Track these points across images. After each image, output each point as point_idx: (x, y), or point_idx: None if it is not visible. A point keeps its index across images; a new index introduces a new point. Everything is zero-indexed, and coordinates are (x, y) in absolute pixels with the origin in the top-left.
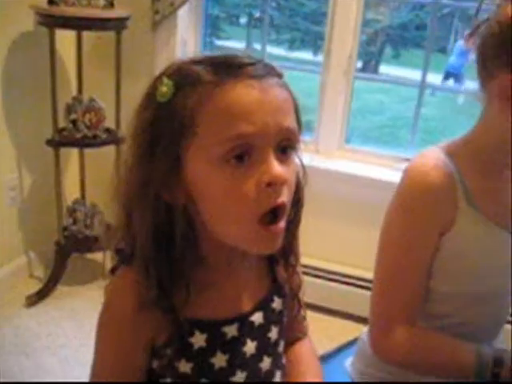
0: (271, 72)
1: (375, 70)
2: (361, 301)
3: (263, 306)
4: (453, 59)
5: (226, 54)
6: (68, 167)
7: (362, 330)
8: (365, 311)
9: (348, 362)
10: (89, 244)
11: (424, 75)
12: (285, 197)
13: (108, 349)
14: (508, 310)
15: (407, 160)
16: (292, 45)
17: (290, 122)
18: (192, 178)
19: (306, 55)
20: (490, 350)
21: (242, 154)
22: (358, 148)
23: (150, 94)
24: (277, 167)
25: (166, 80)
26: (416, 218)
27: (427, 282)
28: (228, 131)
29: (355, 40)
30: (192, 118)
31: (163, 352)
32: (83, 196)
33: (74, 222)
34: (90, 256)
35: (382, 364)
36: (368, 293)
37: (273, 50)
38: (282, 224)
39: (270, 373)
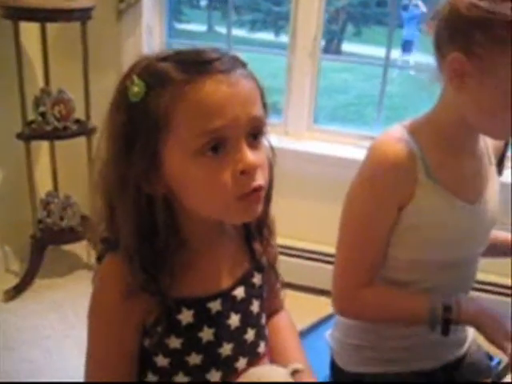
0: (237, 64)
1: (338, 49)
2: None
3: (244, 281)
4: (405, 30)
5: (192, 49)
6: (39, 160)
7: None
8: None
9: (328, 333)
10: (64, 235)
11: (388, 52)
12: (261, 179)
13: (101, 333)
14: (473, 276)
15: (373, 138)
16: (254, 26)
17: (257, 110)
18: (171, 172)
19: (267, 36)
20: (441, 298)
21: (217, 146)
22: (326, 128)
23: (122, 94)
24: (249, 155)
25: (136, 80)
26: (376, 193)
27: (392, 251)
28: (202, 126)
29: (320, 20)
30: (166, 116)
31: (153, 330)
32: (56, 188)
33: (49, 215)
34: (66, 247)
35: (360, 333)
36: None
37: (234, 31)
38: (259, 195)
39: (255, 343)
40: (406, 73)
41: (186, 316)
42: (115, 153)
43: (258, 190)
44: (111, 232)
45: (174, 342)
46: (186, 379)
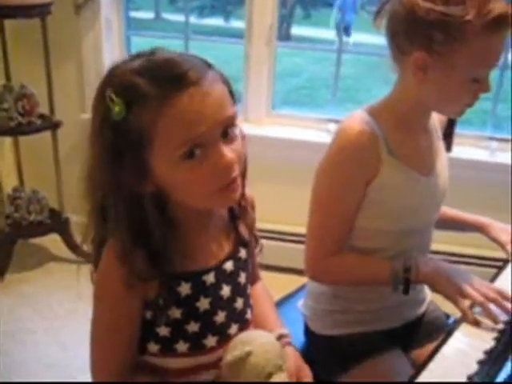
0: (205, 68)
1: (287, 33)
2: (301, 254)
3: (232, 256)
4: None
5: (163, 60)
6: (4, 155)
7: None
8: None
9: (300, 303)
10: (33, 229)
11: (340, 35)
12: (237, 170)
13: (106, 312)
14: (429, 243)
15: (331, 120)
16: (202, 12)
17: (230, 109)
18: (159, 175)
19: (217, 22)
20: (401, 261)
21: (197, 150)
22: (284, 113)
23: (104, 111)
24: (227, 154)
25: (115, 99)
26: (345, 173)
27: (360, 222)
28: (182, 137)
29: (275, 9)
30: (148, 132)
31: (155, 303)
32: (22, 183)
33: (16, 210)
34: (35, 241)
35: (331, 299)
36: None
37: (182, 18)
38: (237, 183)
39: (243, 311)
40: (356, 54)
41: (185, 288)
42: (105, 164)
43: (235, 179)
44: (104, 230)
45: (175, 313)
46: (185, 346)
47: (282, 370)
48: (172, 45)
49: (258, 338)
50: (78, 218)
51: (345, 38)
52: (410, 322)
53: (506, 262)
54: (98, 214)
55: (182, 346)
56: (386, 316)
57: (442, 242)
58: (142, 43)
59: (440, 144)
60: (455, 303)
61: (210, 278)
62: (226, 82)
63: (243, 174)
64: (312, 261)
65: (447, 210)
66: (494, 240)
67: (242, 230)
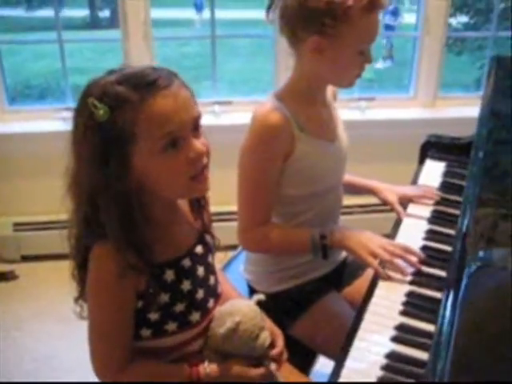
0: (172, 76)
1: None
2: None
3: (200, 240)
4: None
5: (137, 71)
6: None
7: None
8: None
9: (241, 268)
10: None
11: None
12: (205, 161)
13: (102, 306)
14: (341, 200)
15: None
16: (30, 4)
17: (196, 110)
18: (142, 170)
19: (48, 13)
20: (317, 230)
21: (173, 143)
22: None
23: (87, 116)
24: (197, 145)
25: (99, 104)
26: (265, 154)
27: (285, 190)
28: (160, 132)
29: (147, 5)
30: (131, 129)
31: (146, 293)
32: None
33: None
34: None
35: (269, 261)
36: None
37: (8, 12)
38: (206, 173)
39: (215, 286)
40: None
41: (169, 274)
42: (93, 165)
43: (204, 168)
44: (93, 228)
45: (164, 298)
46: (174, 325)
47: (264, 329)
48: None
49: (242, 307)
50: None
51: (198, 16)
52: (338, 266)
53: (402, 204)
54: (83, 215)
55: (171, 326)
56: (318, 264)
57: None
58: None
59: (337, 113)
60: (367, 263)
61: (187, 262)
62: (188, 87)
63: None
64: (243, 232)
65: (351, 178)
66: (383, 200)
67: (205, 217)
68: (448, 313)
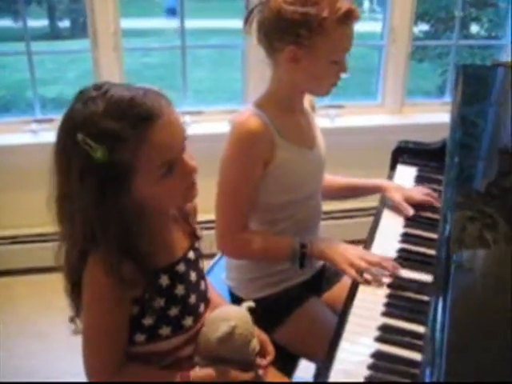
0: (159, 97)
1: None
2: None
3: (191, 246)
4: None
5: (127, 101)
6: None
7: None
8: None
9: (223, 275)
10: None
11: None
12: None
13: (100, 320)
14: (320, 207)
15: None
16: None
17: (184, 127)
18: (141, 197)
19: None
20: (298, 239)
21: (170, 168)
22: None
23: (82, 155)
24: (190, 163)
25: (94, 145)
26: (245, 160)
27: (265, 198)
28: (159, 160)
29: (117, 16)
30: (130, 165)
31: (142, 299)
32: None
33: None
34: None
35: (252, 267)
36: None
37: None
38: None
39: (205, 291)
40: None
41: (164, 280)
42: (89, 202)
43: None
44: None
45: (159, 302)
46: (168, 330)
47: (254, 335)
48: None
49: (236, 313)
50: None
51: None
52: (317, 272)
53: (377, 209)
54: (82, 236)
55: (165, 331)
56: (299, 271)
57: (326, 203)
58: None
59: (314, 121)
60: (346, 273)
61: (181, 267)
62: (170, 102)
63: None
64: (222, 237)
65: (342, 180)
66: (391, 199)
67: (194, 224)
68: (439, 314)
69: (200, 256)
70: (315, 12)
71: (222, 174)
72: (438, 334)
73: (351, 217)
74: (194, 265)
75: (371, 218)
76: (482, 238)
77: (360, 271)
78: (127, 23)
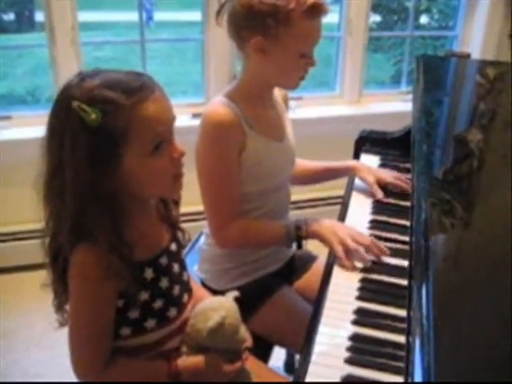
0: (152, 81)
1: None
2: None
3: (174, 238)
4: None
5: (123, 76)
6: None
7: (201, 242)
8: None
9: (195, 268)
10: None
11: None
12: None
13: (85, 306)
14: (289, 196)
15: None
16: None
17: (173, 111)
18: (130, 172)
19: None
20: (292, 221)
21: (158, 146)
22: None
23: (75, 121)
24: (179, 146)
25: (88, 109)
26: (221, 150)
27: (242, 188)
28: (151, 134)
29: (74, 10)
30: (123, 134)
31: (126, 292)
32: None
33: None
34: None
35: (226, 258)
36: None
37: None
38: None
39: (188, 281)
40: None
41: (149, 273)
42: (81, 170)
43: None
44: (79, 233)
45: (144, 295)
46: (153, 322)
47: (242, 324)
48: None
49: (225, 303)
50: None
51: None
52: (288, 261)
53: (343, 197)
54: (70, 221)
55: (150, 323)
56: (271, 260)
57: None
58: None
59: (285, 115)
60: (335, 251)
61: (164, 260)
62: (161, 86)
63: None
64: (218, 230)
65: (316, 164)
66: (362, 179)
67: (176, 216)
68: (424, 297)
69: (181, 247)
70: (282, 3)
71: (200, 167)
72: (424, 313)
73: (316, 206)
74: (175, 256)
75: (337, 207)
76: (442, 223)
77: (346, 251)
78: (83, 16)
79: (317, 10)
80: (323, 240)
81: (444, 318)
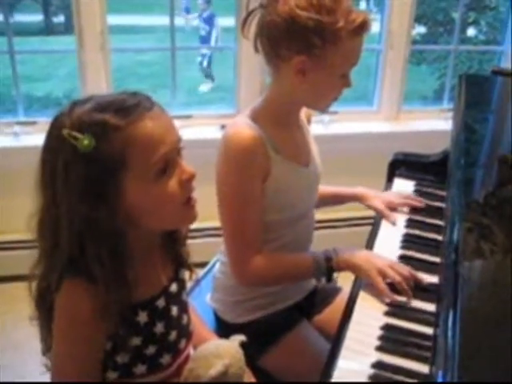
0: (150, 100)
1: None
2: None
3: (175, 278)
4: None
5: (115, 97)
6: None
7: (215, 269)
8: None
9: (208, 297)
10: None
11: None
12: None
13: (73, 350)
14: (313, 224)
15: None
16: None
17: (178, 131)
18: (133, 201)
19: None
20: (320, 252)
21: (164, 169)
22: None
23: (66, 150)
24: (188, 167)
25: (79, 135)
26: (244, 177)
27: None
28: (154, 156)
29: (104, 14)
30: (121, 158)
31: (116, 335)
32: None
33: None
34: None
35: (241, 290)
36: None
37: None
38: (195, 198)
39: (187, 325)
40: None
41: (143, 317)
42: (78, 203)
43: (192, 192)
44: (76, 268)
45: (135, 340)
46: (143, 368)
47: (245, 371)
48: None
49: (230, 349)
50: None
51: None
52: (309, 293)
53: (375, 218)
54: (67, 255)
55: (140, 369)
56: (291, 292)
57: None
58: None
59: (310, 136)
60: (375, 282)
61: (162, 302)
62: (160, 105)
63: None
64: (240, 265)
65: (325, 188)
66: (370, 207)
67: (182, 252)
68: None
69: (183, 287)
70: (330, 20)
71: (221, 197)
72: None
73: (345, 226)
74: (175, 298)
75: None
76: (479, 248)
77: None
78: (115, 20)
79: (365, 28)
80: (358, 271)
81: (469, 351)
